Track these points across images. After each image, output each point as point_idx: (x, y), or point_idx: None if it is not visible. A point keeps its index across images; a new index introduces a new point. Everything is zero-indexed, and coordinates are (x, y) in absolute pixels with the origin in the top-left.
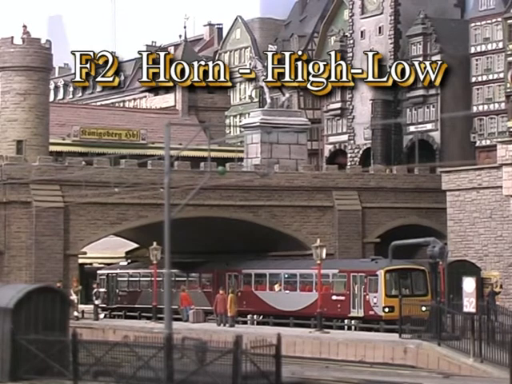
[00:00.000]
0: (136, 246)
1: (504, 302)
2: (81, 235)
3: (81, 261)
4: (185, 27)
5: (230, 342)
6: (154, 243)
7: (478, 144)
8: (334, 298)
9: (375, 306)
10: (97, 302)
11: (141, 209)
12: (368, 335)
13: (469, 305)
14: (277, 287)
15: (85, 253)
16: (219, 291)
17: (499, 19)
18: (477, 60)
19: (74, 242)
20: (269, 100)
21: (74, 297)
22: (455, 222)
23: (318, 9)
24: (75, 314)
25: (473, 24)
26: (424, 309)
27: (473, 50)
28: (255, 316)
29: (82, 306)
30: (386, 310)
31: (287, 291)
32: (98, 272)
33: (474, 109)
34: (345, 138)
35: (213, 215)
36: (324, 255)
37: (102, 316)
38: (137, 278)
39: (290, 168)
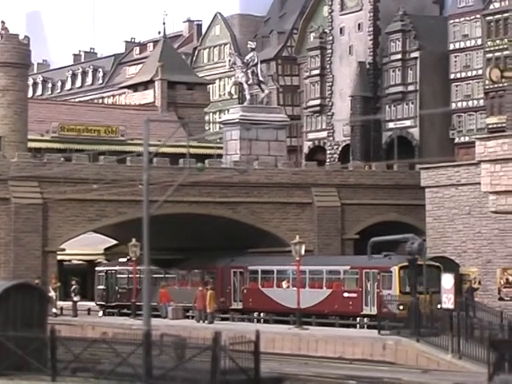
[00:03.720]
0: (115, 242)
1: (482, 298)
2: (59, 232)
3: (59, 257)
4: (164, 23)
5: (209, 338)
6: (133, 240)
7: (456, 141)
8: (346, 295)
9: (389, 304)
10: (75, 299)
11: (120, 205)
12: (347, 332)
13: (447, 301)
14: (284, 284)
15: (63, 249)
16: (199, 288)
17: (478, 16)
18: (456, 57)
19: (52, 238)
20: (248, 96)
21: (52, 293)
22: (434, 218)
23: (297, 5)
24: (54, 310)
25: (452, 21)
26: (439, 306)
27: (452, 46)
28: (262, 314)
29: (60, 303)
30: (401, 307)
31: (295, 288)
32: (97, 269)
33: (453, 105)
34: (324, 134)
35: (192, 212)
36: (303, 252)
37: (100, 314)
38: (137, 275)
39: (269, 164)
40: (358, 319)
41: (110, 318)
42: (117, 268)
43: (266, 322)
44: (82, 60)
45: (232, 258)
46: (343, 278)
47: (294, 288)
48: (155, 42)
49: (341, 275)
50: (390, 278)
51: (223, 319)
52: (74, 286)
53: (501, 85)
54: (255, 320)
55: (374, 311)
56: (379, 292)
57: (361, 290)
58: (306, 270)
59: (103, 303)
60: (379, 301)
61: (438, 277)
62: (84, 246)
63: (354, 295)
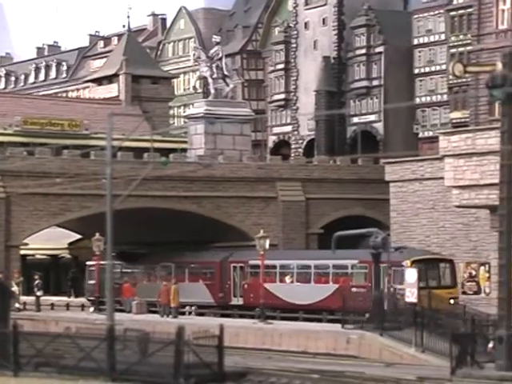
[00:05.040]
0: (79, 236)
1: None
2: (23, 226)
3: (23, 252)
4: (128, 17)
5: (173, 333)
6: (97, 234)
7: (420, 135)
8: (354, 290)
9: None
10: (39, 294)
11: (83, 199)
12: (311, 326)
13: (411, 295)
14: (288, 279)
15: (27, 244)
16: (164, 282)
17: (442, 11)
18: (420, 52)
19: (15, 233)
20: (213, 91)
21: (15, 288)
22: (398, 212)
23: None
24: (17, 305)
25: (416, 16)
26: (452, 301)
27: (416, 41)
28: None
29: (23, 298)
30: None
31: (299, 283)
32: (88, 263)
33: (417, 100)
34: (289, 128)
35: (156, 206)
36: (267, 246)
37: (91, 310)
38: (130, 270)
39: (233, 159)
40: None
41: (73, 312)
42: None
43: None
44: (46, 53)
45: (231, 252)
46: (351, 272)
47: (298, 283)
48: (119, 36)
49: (348, 270)
50: (401, 273)
51: (223, 315)
52: (37, 281)
53: (464, 80)
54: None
55: (385, 307)
56: (390, 287)
57: (370, 286)
58: (311, 265)
59: (93, 298)
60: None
61: (451, 271)
62: (47, 240)
63: (363, 290)
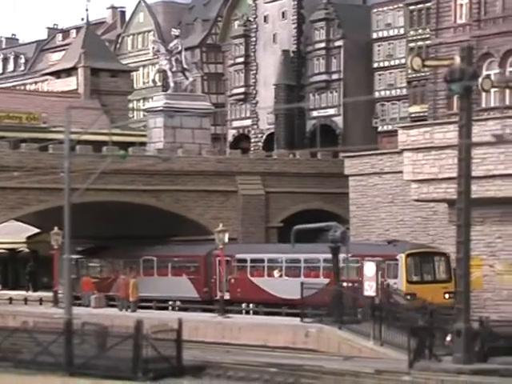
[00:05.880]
0: (38, 230)
1: None
2: None
3: None
4: (87, 10)
5: (131, 327)
6: (55, 228)
7: (380, 129)
8: (346, 285)
9: (395, 294)
10: None
11: (41, 193)
12: (270, 320)
13: (369, 289)
14: (276, 273)
15: None
16: (122, 276)
17: (400, 5)
18: (379, 46)
19: None
20: (172, 84)
21: None
22: (357, 206)
23: None
24: None
25: (375, 10)
26: (447, 296)
27: (375, 35)
28: (251, 305)
29: None
30: (408, 297)
31: (288, 277)
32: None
33: (376, 94)
34: (248, 122)
35: (115, 200)
36: (226, 240)
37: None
38: (111, 264)
39: (193, 152)
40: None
41: (31, 306)
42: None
43: (255, 313)
44: (4, 46)
45: (216, 247)
46: (342, 266)
47: (287, 277)
48: (78, 29)
49: (340, 264)
50: (395, 267)
51: (205, 310)
52: None
53: (423, 74)
54: (243, 311)
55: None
56: (384, 281)
57: (363, 280)
58: (300, 259)
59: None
60: (384, 291)
61: (446, 265)
62: (5, 234)
63: (355, 285)
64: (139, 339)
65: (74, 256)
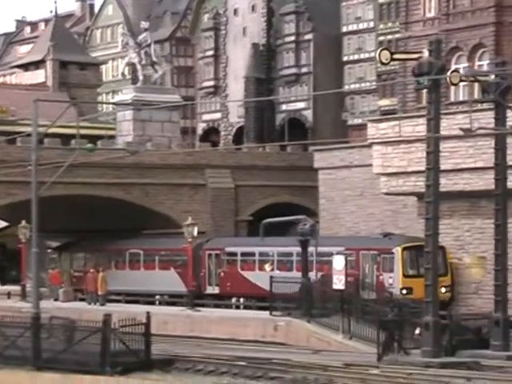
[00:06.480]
0: (6, 224)
1: None
2: None
3: None
4: (55, 2)
5: (100, 321)
6: (23, 221)
7: (349, 122)
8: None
9: (391, 288)
10: None
11: (10, 186)
12: (239, 313)
13: (338, 282)
14: (268, 267)
15: None
16: (90, 270)
17: None
18: (348, 39)
19: None
20: (141, 77)
21: None
22: (327, 199)
23: None
24: None
25: (344, 3)
26: (444, 290)
27: (344, 29)
28: (241, 299)
29: None
30: (404, 291)
31: (279, 271)
32: (49, 250)
33: (346, 87)
34: (218, 115)
35: (84, 193)
36: (195, 233)
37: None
38: (95, 258)
39: (162, 146)
40: None
41: None
42: (72, 248)
43: (246, 308)
44: None
45: (207, 239)
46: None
47: (278, 271)
48: (47, 22)
49: (333, 257)
50: (391, 260)
51: (227, 306)
52: None
53: (393, 67)
54: (233, 306)
55: (374, 296)
56: (379, 275)
57: (358, 274)
58: (292, 252)
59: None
60: (380, 285)
61: (442, 259)
62: None
63: (349, 279)
64: (107, 333)
65: (50, 249)
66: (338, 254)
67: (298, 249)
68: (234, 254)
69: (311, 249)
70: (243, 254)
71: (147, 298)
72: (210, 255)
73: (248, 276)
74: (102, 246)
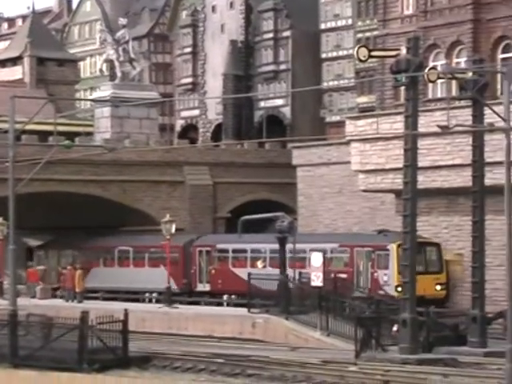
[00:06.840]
0: None
1: None
2: None
3: None
4: None
5: (77, 318)
6: (0, 218)
7: (327, 120)
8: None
9: (386, 285)
10: None
11: None
12: (217, 310)
13: (316, 279)
14: (260, 264)
15: None
16: (67, 267)
17: None
18: (327, 36)
19: None
20: (119, 74)
21: None
22: (305, 196)
23: None
24: None
25: (323, 0)
26: (439, 288)
27: (323, 26)
28: (233, 296)
29: None
30: (399, 289)
31: (272, 268)
32: (35, 247)
33: (325, 84)
34: (196, 112)
35: (62, 190)
36: (173, 230)
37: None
38: (84, 255)
39: (140, 142)
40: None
41: None
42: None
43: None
44: None
45: (197, 236)
46: (330, 257)
47: (271, 268)
48: (24, 18)
49: (327, 254)
50: (386, 257)
51: (219, 304)
52: None
53: (371, 64)
54: (225, 303)
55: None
56: (374, 272)
57: (352, 271)
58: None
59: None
60: (374, 282)
61: (438, 256)
62: None
63: (343, 276)
64: (85, 330)
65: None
66: (315, 251)
67: (290, 245)
68: (226, 251)
69: (287, 246)
70: (235, 251)
71: (136, 296)
72: (200, 252)
73: (239, 273)
74: (90, 243)
